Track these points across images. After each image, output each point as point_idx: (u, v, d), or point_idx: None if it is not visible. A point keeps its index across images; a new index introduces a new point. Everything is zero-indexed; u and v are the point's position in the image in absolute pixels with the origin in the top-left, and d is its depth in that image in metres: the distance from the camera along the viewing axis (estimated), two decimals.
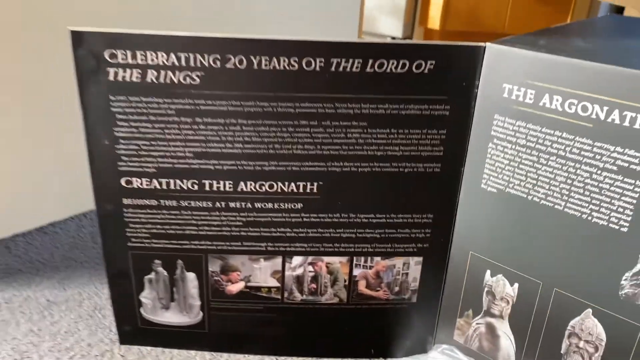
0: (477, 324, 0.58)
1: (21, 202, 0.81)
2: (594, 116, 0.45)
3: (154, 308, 0.59)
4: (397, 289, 0.59)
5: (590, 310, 0.49)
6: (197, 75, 0.48)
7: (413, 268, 0.58)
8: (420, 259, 0.58)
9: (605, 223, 0.46)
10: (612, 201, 0.45)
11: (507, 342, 0.56)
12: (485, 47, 0.49)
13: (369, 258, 0.57)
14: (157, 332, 0.61)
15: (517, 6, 1.93)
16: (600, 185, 0.46)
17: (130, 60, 0.47)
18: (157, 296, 0.59)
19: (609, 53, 0.49)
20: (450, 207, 0.55)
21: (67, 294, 0.70)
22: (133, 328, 0.61)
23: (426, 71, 0.49)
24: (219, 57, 0.47)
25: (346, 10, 1.18)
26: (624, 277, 0.46)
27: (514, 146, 0.50)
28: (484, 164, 0.52)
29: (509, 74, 0.48)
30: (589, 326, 0.50)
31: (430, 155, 0.53)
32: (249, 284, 0.58)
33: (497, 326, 0.56)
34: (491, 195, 0.52)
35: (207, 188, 0.53)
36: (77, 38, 0.46)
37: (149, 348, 0.62)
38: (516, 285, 0.54)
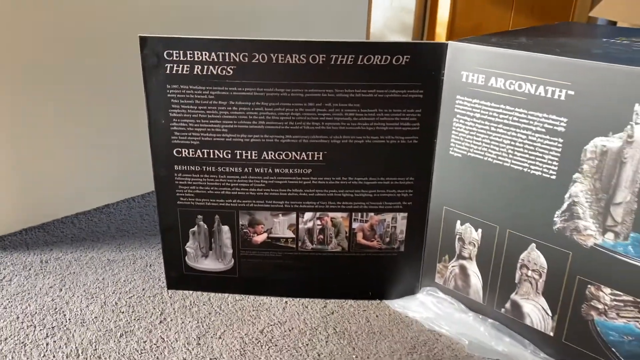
0: (452, 266, 0.72)
1: (81, 187, 0.98)
2: (526, 91, 0.59)
3: (196, 256, 0.75)
4: (388, 239, 0.74)
5: (534, 244, 0.63)
6: (231, 69, 0.64)
7: (400, 222, 0.73)
8: (406, 214, 0.72)
9: (540, 173, 0.61)
10: (543, 155, 0.60)
11: (475, 279, 0.70)
12: (447, 44, 0.64)
13: (365, 214, 0.72)
14: (197, 278, 0.76)
15: (518, 24, 2.07)
16: (534, 144, 0.60)
17: (182, 58, 0.64)
18: (198, 246, 0.74)
19: (541, 46, 0.63)
20: (427, 171, 0.70)
21: (123, 255, 0.86)
22: (178, 274, 0.76)
23: (404, 63, 0.65)
24: (247, 54, 0.64)
25: (353, 32, 1.35)
26: (555, 215, 0.61)
27: (471, 119, 0.65)
28: (450, 135, 0.67)
29: (465, 64, 0.63)
30: (534, 257, 0.64)
31: (410, 129, 0.68)
32: (270, 235, 0.73)
33: (467, 267, 0.71)
34: (457, 159, 0.67)
35: (238, 157, 0.69)
36: (143, 41, 0.63)
37: (190, 291, 0.77)
38: (480, 230, 0.68)
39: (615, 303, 0.59)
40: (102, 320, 0.71)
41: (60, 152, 0.94)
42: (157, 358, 0.65)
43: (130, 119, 0.94)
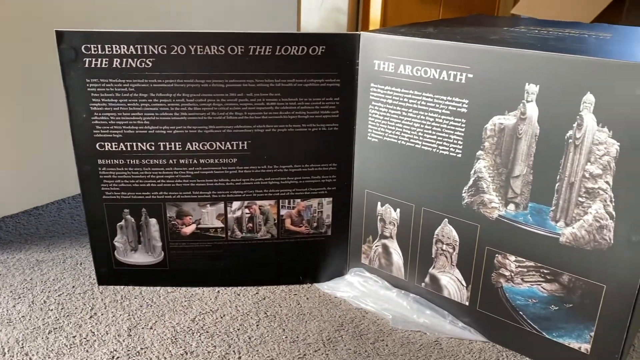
0: (375, 246, 0.76)
1: (7, 190, 0.96)
2: (432, 76, 0.64)
3: (125, 250, 0.75)
4: (315, 224, 0.76)
5: (446, 219, 0.68)
6: (150, 61, 0.65)
7: (326, 207, 0.76)
8: (331, 199, 0.75)
9: (447, 152, 0.65)
10: (450, 136, 0.64)
11: (397, 256, 0.74)
12: (360, 34, 0.68)
13: (291, 200, 0.75)
14: (128, 272, 0.77)
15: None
16: (441, 125, 0.65)
17: (100, 52, 0.64)
18: (127, 240, 0.75)
19: (445, 34, 0.68)
20: (349, 156, 0.73)
21: (52, 255, 0.85)
22: (109, 269, 0.77)
23: (320, 54, 0.68)
24: (165, 46, 0.65)
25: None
26: (463, 191, 0.65)
27: (385, 105, 0.68)
28: (367, 121, 0.70)
29: (377, 53, 0.67)
30: (447, 232, 0.68)
31: (330, 117, 0.71)
32: (199, 226, 0.75)
33: (389, 245, 0.74)
34: (374, 144, 0.71)
35: (162, 149, 0.70)
36: (60, 36, 0.63)
37: (122, 286, 0.77)
38: (398, 210, 0.72)
39: (520, 269, 0.64)
40: (29, 319, 0.70)
41: None
42: (87, 351, 0.65)
43: (56, 118, 0.93)
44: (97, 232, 0.74)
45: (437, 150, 0.66)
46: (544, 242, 0.61)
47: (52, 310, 0.72)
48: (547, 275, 0.62)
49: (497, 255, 0.65)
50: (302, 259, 0.78)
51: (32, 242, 0.89)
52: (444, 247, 0.69)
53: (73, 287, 0.77)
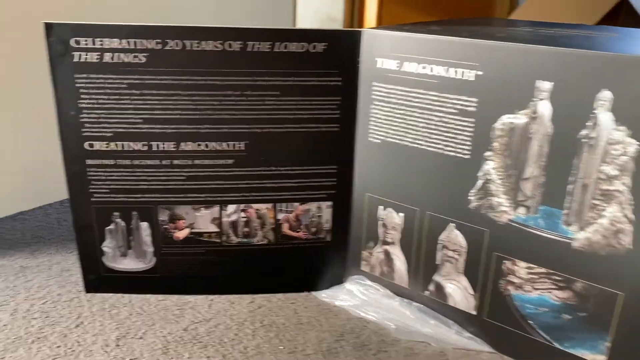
0: (377, 252, 0.73)
1: None
2: (438, 74, 0.61)
3: (114, 256, 0.72)
4: (314, 229, 0.73)
5: (453, 224, 0.65)
6: (144, 56, 0.62)
7: (325, 211, 0.73)
8: (330, 203, 0.72)
9: (454, 154, 0.62)
10: (457, 136, 0.62)
11: (400, 263, 0.71)
12: (362, 31, 0.65)
13: (289, 204, 0.72)
14: (117, 279, 0.73)
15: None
16: (448, 125, 0.62)
17: (90, 45, 0.61)
18: (116, 245, 0.71)
19: (451, 32, 0.65)
20: (350, 159, 0.70)
21: (38, 261, 0.81)
22: (97, 276, 0.73)
23: (320, 50, 0.65)
24: (159, 41, 0.62)
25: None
26: (471, 194, 0.62)
27: (388, 105, 0.66)
28: (368, 121, 0.68)
29: (380, 50, 0.65)
30: (453, 237, 0.65)
31: (330, 117, 0.68)
32: (193, 230, 0.71)
33: (391, 252, 0.71)
34: (376, 145, 0.68)
35: (154, 148, 0.67)
36: (49, 28, 0.60)
37: (110, 294, 0.73)
38: (401, 214, 0.69)
39: (530, 276, 0.61)
40: (11, 328, 0.66)
41: None
42: None
43: (43, 118, 0.90)
44: (85, 236, 0.70)
45: (444, 151, 0.63)
46: (555, 247, 0.58)
47: (35, 319, 0.68)
48: (559, 283, 0.59)
49: (506, 261, 0.62)
50: (300, 266, 0.75)
51: (17, 248, 0.85)
52: (450, 253, 0.66)
53: (59, 294, 0.73)
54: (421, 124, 0.64)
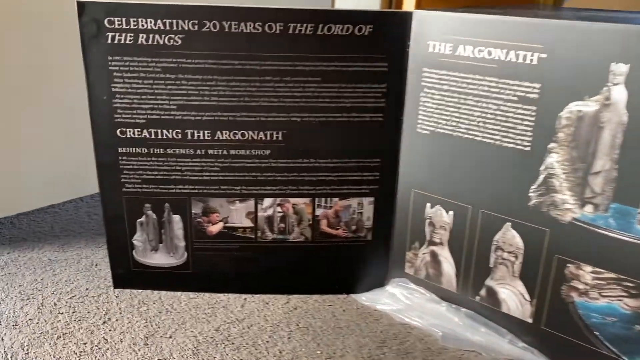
0: (422, 254, 0.67)
1: (23, 187, 0.90)
2: (497, 58, 0.56)
3: (145, 250, 0.68)
4: (354, 227, 0.69)
5: (509, 223, 0.59)
6: (179, 38, 0.59)
7: (367, 207, 0.68)
8: (372, 199, 0.68)
9: (513, 146, 0.57)
10: (516, 126, 0.56)
11: (448, 266, 0.66)
12: (413, 12, 0.60)
13: (329, 199, 0.67)
14: (146, 275, 0.69)
15: None
16: (506, 114, 0.56)
17: (125, 26, 0.58)
18: (147, 238, 0.68)
19: (507, 12, 0.60)
20: (394, 152, 0.66)
21: (66, 255, 0.79)
22: (126, 271, 0.69)
23: (366, 34, 0.61)
24: (196, 22, 0.58)
25: None
26: (530, 190, 0.57)
27: (439, 92, 0.61)
28: (417, 111, 0.63)
29: (432, 33, 0.60)
30: (509, 238, 0.60)
31: (375, 106, 0.64)
32: (227, 225, 0.67)
33: (439, 252, 0.66)
34: (425, 137, 0.63)
35: (189, 137, 0.63)
36: (82, 7, 0.57)
37: (139, 290, 0.70)
38: (451, 212, 0.64)
39: (597, 282, 0.55)
40: (37, 323, 0.63)
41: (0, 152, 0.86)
42: None
43: (79, 112, 0.88)
44: (114, 228, 0.67)
45: (501, 143, 0.57)
46: (628, 250, 0.52)
47: (62, 314, 0.65)
48: (631, 290, 0.53)
49: (568, 264, 0.56)
50: (338, 266, 0.70)
51: (46, 241, 0.82)
52: (505, 255, 0.60)
53: (87, 289, 0.70)
54: (476, 113, 0.58)
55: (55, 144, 0.92)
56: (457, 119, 0.60)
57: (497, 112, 0.57)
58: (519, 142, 0.56)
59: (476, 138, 0.59)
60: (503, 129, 0.57)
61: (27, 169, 0.90)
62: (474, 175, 0.60)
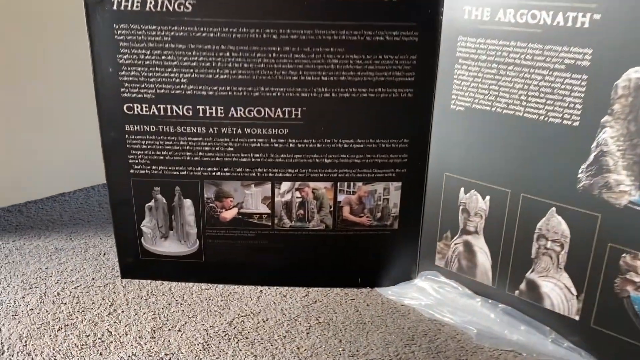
0: (455, 244, 0.61)
1: (33, 174, 0.87)
2: (542, 22, 0.50)
3: (154, 237, 0.64)
4: (379, 214, 0.63)
5: (554, 208, 0.53)
6: (190, 4, 0.54)
7: (393, 193, 0.62)
8: (399, 184, 0.62)
9: (560, 121, 0.51)
10: (564, 98, 0.50)
11: (483, 257, 0.60)
12: None
13: (352, 183, 0.62)
14: (156, 264, 0.65)
15: None
16: (552, 85, 0.50)
17: None
18: (156, 224, 0.63)
19: None
20: (425, 131, 0.60)
21: (74, 244, 0.75)
22: (134, 260, 0.65)
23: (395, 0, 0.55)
24: None
25: None
26: (580, 171, 0.51)
27: (476, 63, 0.55)
28: (451, 85, 0.57)
29: None
30: (554, 225, 0.53)
31: (403, 80, 0.58)
32: (241, 211, 0.62)
33: (473, 242, 0.60)
34: (459, 114, 0.57)
35: (200, 114, 0.58)
36: None
37: (149, 280, 0.66)
38: (487, 197, 0.58)
39: None
40: (38, 313, 0.59)
41: (10, 138, 0.82)
42: (101, 354, 0.53)
43: (90, 100, 0.84)
44: (121, 214, 0.63)
45: (546, 118, 0.51)
46: None
47: (65, 304, 0.61)
48: None
49: (624, 254, 0.50)
50: (361, 257, 0.65)
51: (54, 229, 0.78)
52: (549, 244, 0.54)
53: (93, 279, 0.66)
54: (518, 86, 0.52)
55: (66, 132, 0.88)
56: (495, 93, 0.54)
57: (542, 84, 0.51)
58: (566, 116, 0.50)
59: (517, 113, 0.53)
60: (549, 102, 0.51)
61: (37, 157, 0.86)
62: (514, 156, 0.54)
